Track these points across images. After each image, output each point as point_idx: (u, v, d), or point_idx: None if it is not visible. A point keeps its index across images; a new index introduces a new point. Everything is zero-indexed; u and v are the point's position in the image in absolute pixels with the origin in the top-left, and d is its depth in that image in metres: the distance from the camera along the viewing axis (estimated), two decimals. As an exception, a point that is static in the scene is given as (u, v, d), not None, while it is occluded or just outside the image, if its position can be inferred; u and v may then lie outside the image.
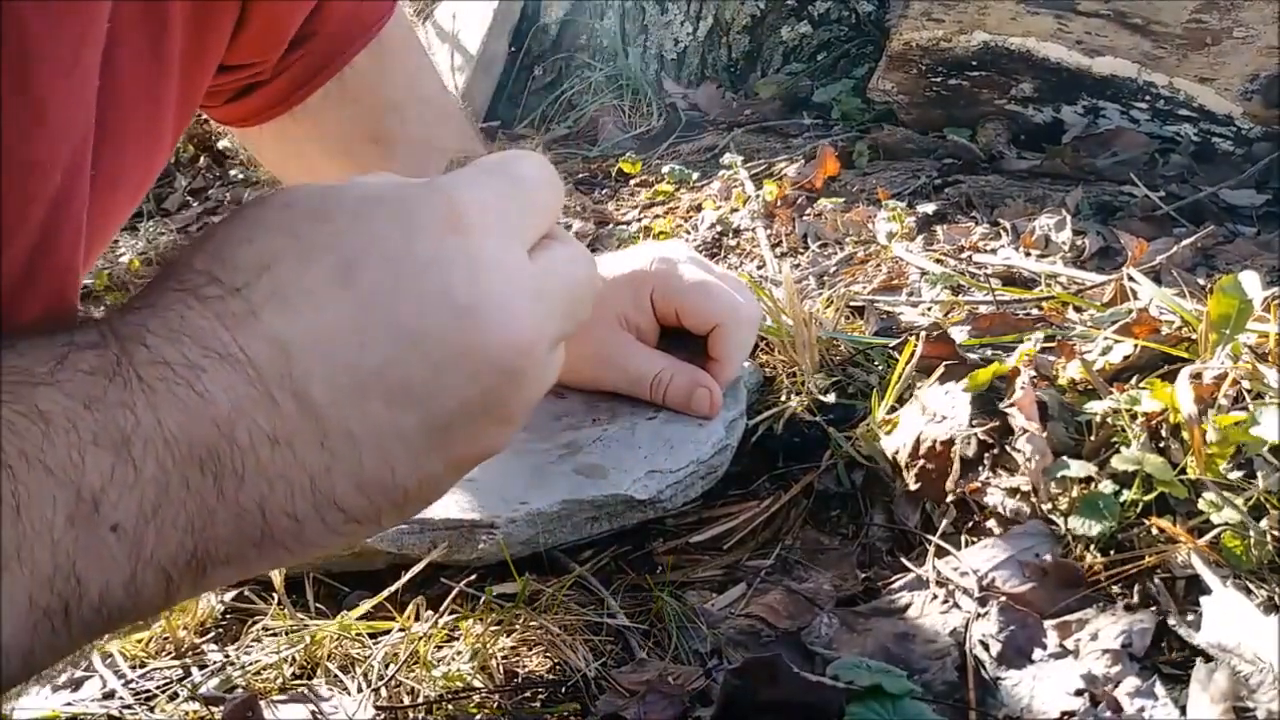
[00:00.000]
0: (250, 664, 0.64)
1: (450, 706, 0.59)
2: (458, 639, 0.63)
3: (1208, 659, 0.53)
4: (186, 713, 0.61)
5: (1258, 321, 0.68)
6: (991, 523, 0.66)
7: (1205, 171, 1.27)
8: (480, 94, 1.87)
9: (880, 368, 0.86)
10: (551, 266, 0.43)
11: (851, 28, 1.82)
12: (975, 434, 0.69)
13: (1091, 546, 0.61)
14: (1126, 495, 0.62)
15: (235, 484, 0.36)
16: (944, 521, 0.67)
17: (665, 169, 1.49)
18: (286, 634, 0.65)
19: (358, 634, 0.65)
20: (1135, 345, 0.72)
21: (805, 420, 0.80)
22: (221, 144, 1.90)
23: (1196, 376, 0.64)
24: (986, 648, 0.57)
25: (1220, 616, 0.54)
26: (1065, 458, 0.65)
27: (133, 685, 0.64)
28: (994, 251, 1.09)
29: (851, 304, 0.99)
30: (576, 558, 0.70)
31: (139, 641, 0.67)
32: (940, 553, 0.65)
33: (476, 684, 0.60)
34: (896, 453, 0.72)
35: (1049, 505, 0.64)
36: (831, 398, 0.80)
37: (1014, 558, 0.62)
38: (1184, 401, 0.62)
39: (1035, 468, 0.65)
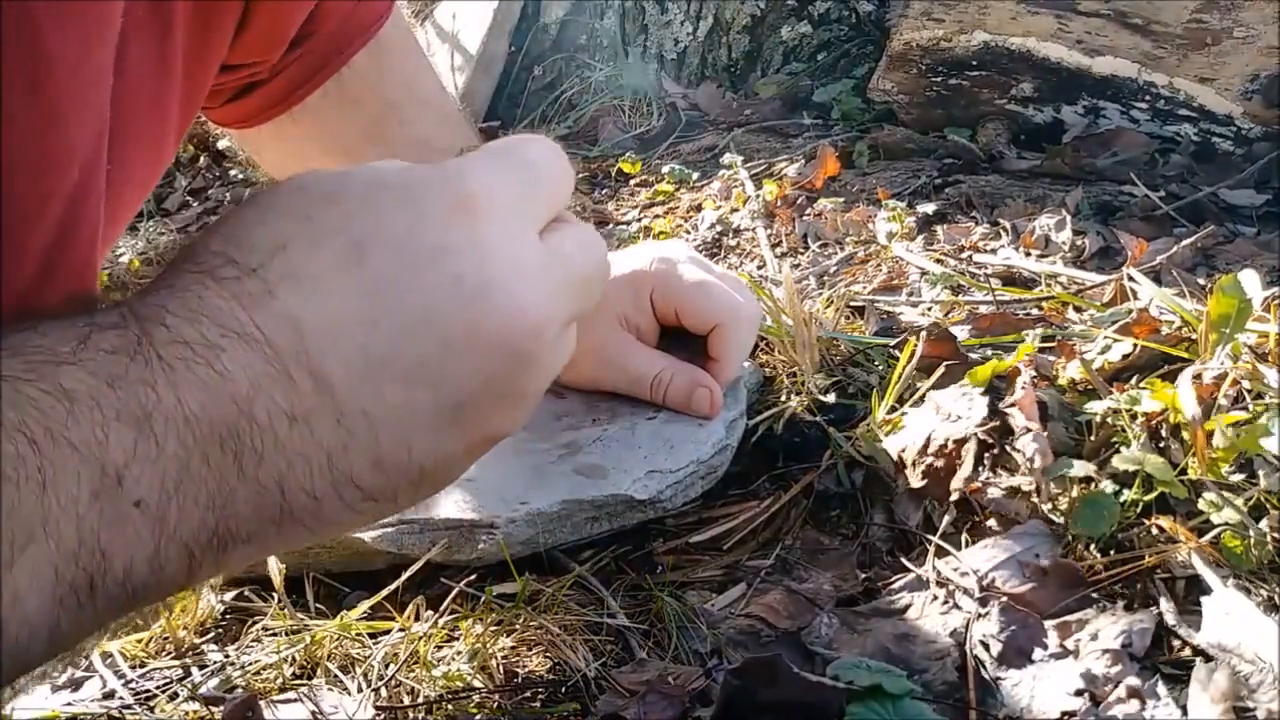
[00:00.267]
0: (250, 664, 0.64)
1: (450, 706, 0.59)
2: (458, 639, 0.63)
3: (1208, 659, 0.53)
4: (186, 713, 0.61)
5: (1258, 321, 0.68)
6: (992, 523, 0.66)
7: (1205, 171, 1.26)
8: (480, 94, 1.87)
9: (880, 368, 0.86)
10: (561, 249, 0.43)
11: (851, 28, 1.82)
12: (976, 434, 0.69)
13: (1091, 546, 0.61)
14: (1127, 495, 0.62)
15: (255, 461, 0.37)
16: (944, 521, 0.67)
17: (665, 169, 1.49)
18: (286, 634, 0.65)
19: (357, 634, 0.65)
20: (1135, 345, 0.72)
21: (805, 420, 0.79)
22: (221, 144, 1.90)
23: (1197, 377, 0.64)
24: (987, 648, 0.57)
25: (1220, 616, 0.54)
26: (1066, 457, 0.65)
27: (133, 685, 0.64)
28: (994, 251, 1.09)
29: (851, 304, 0.99)
30: (576, 558, 0.70)
31: (139, 641, 0.67)
32: (940, 553, 0.65)
33: (476, 684, 0.60)
34: (903, 451, 0.72)
35: (1049, 505, 0.64)
36: (831, 398, 0.80)
37: (1014, 558, 0.62)
38: (1186, 403, 0.62)
39: (1036, 468, 0.65)
